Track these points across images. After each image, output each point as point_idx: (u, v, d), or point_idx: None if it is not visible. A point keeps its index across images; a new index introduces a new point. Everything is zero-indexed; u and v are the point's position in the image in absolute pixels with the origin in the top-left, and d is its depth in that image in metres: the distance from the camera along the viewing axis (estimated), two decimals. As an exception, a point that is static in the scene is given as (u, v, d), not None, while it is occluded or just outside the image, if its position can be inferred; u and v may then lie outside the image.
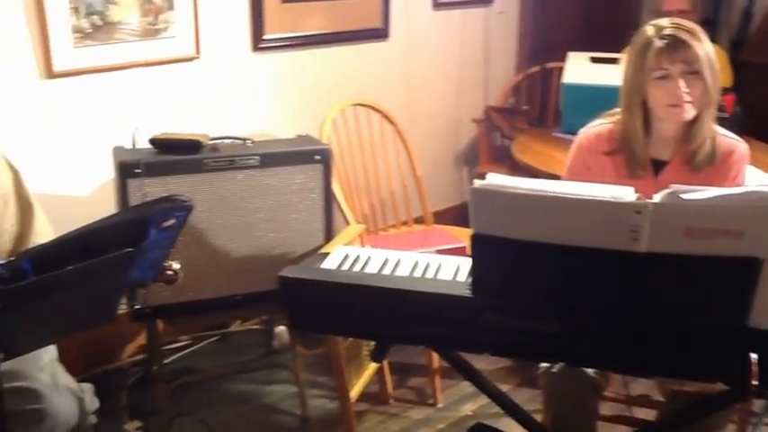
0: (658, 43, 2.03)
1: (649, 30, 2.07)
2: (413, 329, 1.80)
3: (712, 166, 2.13)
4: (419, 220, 3.54)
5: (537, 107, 4.18)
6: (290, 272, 1.88)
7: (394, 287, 1.80)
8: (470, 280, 1.70)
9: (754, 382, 1.51)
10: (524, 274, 1.63)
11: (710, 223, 1.46)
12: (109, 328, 2.81)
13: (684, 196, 1.45)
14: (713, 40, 4.57)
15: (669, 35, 2.03)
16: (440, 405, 3.00)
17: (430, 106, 4.18)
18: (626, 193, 1.50)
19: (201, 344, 3.35)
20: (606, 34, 3.62)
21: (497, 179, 1.57)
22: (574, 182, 1.66)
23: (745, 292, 1.50)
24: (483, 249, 1.64)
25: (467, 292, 1.70)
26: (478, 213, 1.59)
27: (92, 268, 1.59)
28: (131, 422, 2.84)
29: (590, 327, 1.63)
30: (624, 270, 1.55)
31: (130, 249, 1.66)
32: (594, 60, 3.61)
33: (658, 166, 2.16)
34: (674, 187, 1.47)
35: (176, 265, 2.05)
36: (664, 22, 2.09)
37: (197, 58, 3.18)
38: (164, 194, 2.04)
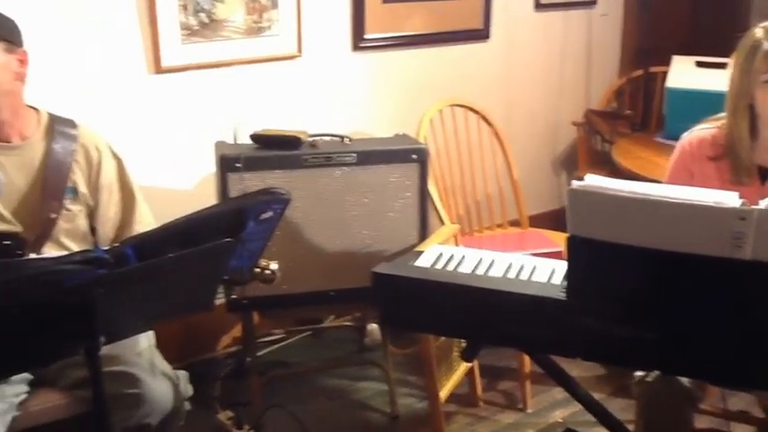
0: (767, 46, 1.95)
1: (758, 32, 1.99)
2: (505, 330, 1.78)
3: None
4: (514, 224, 3.51)
5: (639, 112, 4.07)
6: (383, 268, 1.89)
7: (487, 287, 1.78)
8: (565, 283, 1.67)
9: None
10: (622, 278, 1.59)
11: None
12: (205, 319, 2.89)
13: None
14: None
15: None
16: (529, 410, 2.96)
17: (529, 108, 4.13)
18: (730, 199, 1.44)
19: (295, 338, 3.40)
20: (713, 38, 3.48)
21: (596, 180, 1.54)
22: (676, 186, 1.60)
23: None
24: (579, 252, 1.60)
25: (561, 295, 1.67)
26: (576, 215, 1.56)
27: (192, 256, 1.62)
28: (224, 412, 2.88)
29: (688, 335, 1.58)
30: (726, 278, 1.49)
31: (229, 240, 1.68)
32: (700, 65, 3.51)
33: (766, 173, 2.08)
34: None
35: (274, 265, 2.07)
36: None
37: (298, 56, 3.24)
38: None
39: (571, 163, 4.36)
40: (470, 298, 1.79)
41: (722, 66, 3.13)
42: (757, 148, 2.07)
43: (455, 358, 2.80)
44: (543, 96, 4.20)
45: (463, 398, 2.98)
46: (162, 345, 2.26)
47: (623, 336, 1.62)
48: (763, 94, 1.98)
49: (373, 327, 3.32)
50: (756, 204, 1.42)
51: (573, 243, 1.59)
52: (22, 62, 2.09)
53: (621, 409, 2.75)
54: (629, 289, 1.60)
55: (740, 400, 2.57)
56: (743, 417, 2.51)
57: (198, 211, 1.72)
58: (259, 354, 3.10)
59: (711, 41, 3.46)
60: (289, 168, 2.61)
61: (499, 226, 3.46)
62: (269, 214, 1.78)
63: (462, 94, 3.52)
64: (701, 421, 2.23)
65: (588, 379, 3.08)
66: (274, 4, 3.11)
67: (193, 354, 3.19)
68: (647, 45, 4.15)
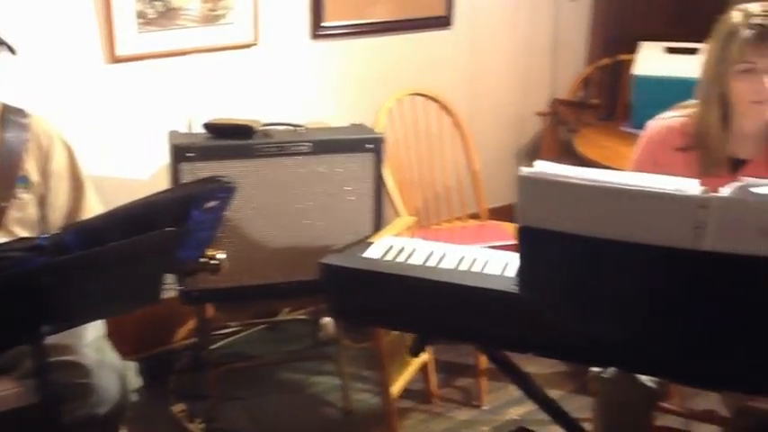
0: (745, 33, 1.84)
1: (736, 16, 1.89)
2: (454, 324, 1.73)
3: None
4: (475, 217, 3.46)
5: (607, 101, 4.03)
6: (331, 259, 1.84)
7: (437, 279, 1.74)
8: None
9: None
10: (576, 271, 1.53)
11: (787, 223, 1.30)
12: (161, 311, 2.82)
13: (756, 191, 1.32)
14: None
15: (758, 24, 1.83)
16: (485, 407, 2.92)
17: (494, 98, 4.06)
18: (690, 186, 1.37)
19: (250, 331, 3.33)
20: (687, 24, 3.36)
21: (548, 167, 1.46)
22: (634, 173, 1.54)
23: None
24: (531, 243, 1.54)
25: (514, 289, 1.62)
26: (526, 204, 1.49)
27: (134, 246, 1.59)
28: (177, 405, 2.85)
29: (647, 330, 1.52)
30: (686, 270, 1.43)
31: (172, 229, 1.64)
32: (669, 51, 3.42)
33: (737, 164, 1.99)
34: (746, 181, 1.33)
35: (221, 255, 2.03)
36: (754, 7, 1.89)
37: (255, 44, 3.15)
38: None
39: (537, 154, 4.30)
40: (419, 290, 1.74)
41: (693, 51, 3.02)
42: (729, 138, 1.98)
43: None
44: (509, 86, 4.13)
45: (418, 394, 2.93)
46: (117, 336, 2.23)
47: (578, 331, 1.57)
48: (738, 85, 1.89)
49: (327, 320, 3.26)
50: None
51: (524, 234, 1.54)
52: None
53: (582, 406, 2.68)
54: (584, 282, 1.54)
55: (705, 399, 2.51)
56: (707, 416, 2.44)
57: (142, 199, 1.69)
58: (215, 346, 3.07)
59: (686, 27, 3.35)
60: (241, 158, 2.56)
61: (458, 219, 3.42)
62: (214, 203, 1.73)
63: (425, 83, 3.46)
64: (663, 420, 2.18)
65: (549, 375, 3.05)
66: (231, -8, 3.03)
67: (151, 346, 3.13)
68: (618, 32, 4.07)
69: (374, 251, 1.93)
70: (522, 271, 1.60)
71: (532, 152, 4.33)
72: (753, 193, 1.33)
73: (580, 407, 2.67)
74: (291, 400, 2.95)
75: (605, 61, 4.09)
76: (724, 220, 1.35)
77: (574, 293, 1.56)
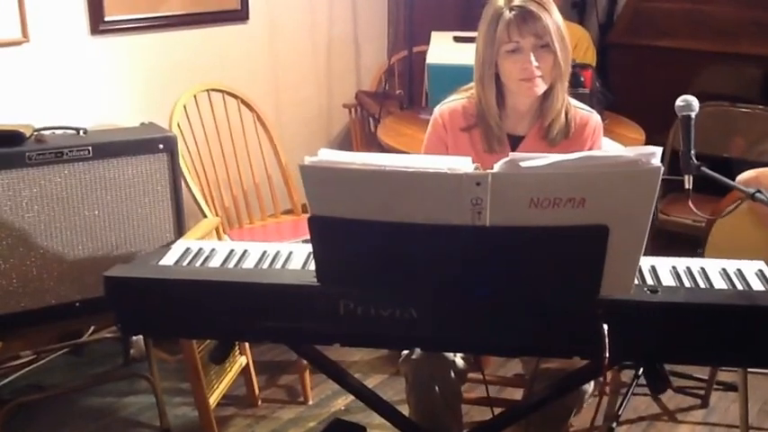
0: (508, 15, 1.92)
1: (500, 0, 1.96)
2: (260, 325, 1.65)
3: (568, 140, 2.06)
4: (290, 212, 3.36)
5: (408, 90, 4.05)
6: (117, 271, 1.71)
7: (234, 280, 1.66)
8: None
9: (606, 355, 1.43)
10: (368, 256, 1.50)
11: (552, 192, 1.37)
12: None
13: (523, 164, 1.36)
14: (582, 21, 4.59)
15: (518, 6, 1.92)
16: (311, 402, 2.83)
17: (299, 93, 3.99)
18: (463, 165, 1.39)
19: (50, 357, 3.04)
20: (476, 12, 3.46)
21: (330, 155, 1.43)
22: (412, 155, 1.53)
23: (594, 262, 1.42)
24: (322, 232, 1.50)
25: (313, 281, 1.56)
26: (313, 193, 1.45)
27: None
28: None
29: (440, 309, 1.53)
30: (470, 246, 1.44)
31: None
32: (457, 40, 3.50)
33: (515, 141, 2.07)
34: (513, 155, 1.37)
35: None
36: None
37: (25, 41, 2.88)
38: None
39: (347, 146, 4.28)
40: (218, 294, 1.65)
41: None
42: (506, 116, 2.06)
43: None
44: (313, 80, 4.08)
45: (241, 399, 2.81)
46: None
47: (378, 316, 1.55)
48: (507, 63, 1.96)
49: (138, 336, 3.04)
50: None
51: (314, 223, 1.49)
52: None
53: (404, 389, 2.66)
54: (377, 268, 1.51)
55: (517, 365, 2.54)
56: (517, 381, 2.50)
57: None
58: (7, 380, 2.82)
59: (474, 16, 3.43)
60: (10, 168, 2.30)
61: (272, 216, 3.31)
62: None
63: (225, 79, 3.32)
64: (478, 390, 2.17)
65: (373, 361, 3.03)
66: (-15, -19, 2.75)
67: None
68: (417, 24, 4.10)
69: (169, 257, 1.83)
70: (317, 261, 1.56)
71: (344, 145, 4.29)
72: (520, 166, 1.37)
73: (402, 389, 2.62)
74: (101, 428, 2.71)
75: (404, 53, 4.11)
76: (497, 194, 1.38)
77: (368, 279, 1.53)
